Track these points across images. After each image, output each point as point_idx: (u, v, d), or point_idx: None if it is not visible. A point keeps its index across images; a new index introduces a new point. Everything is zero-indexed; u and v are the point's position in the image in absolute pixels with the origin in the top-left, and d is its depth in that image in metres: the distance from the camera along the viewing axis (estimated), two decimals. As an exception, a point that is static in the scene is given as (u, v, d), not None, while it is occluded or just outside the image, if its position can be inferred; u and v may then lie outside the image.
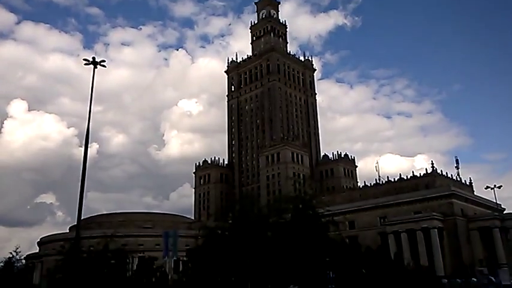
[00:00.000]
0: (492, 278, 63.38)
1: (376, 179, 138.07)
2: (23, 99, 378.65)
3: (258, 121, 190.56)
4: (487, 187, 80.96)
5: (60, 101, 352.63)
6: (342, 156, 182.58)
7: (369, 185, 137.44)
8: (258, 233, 42.01)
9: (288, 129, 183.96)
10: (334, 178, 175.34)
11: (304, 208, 41.41)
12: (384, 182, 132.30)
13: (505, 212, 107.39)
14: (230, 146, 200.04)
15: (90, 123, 29.71)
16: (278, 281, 39.00)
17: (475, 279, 65.16)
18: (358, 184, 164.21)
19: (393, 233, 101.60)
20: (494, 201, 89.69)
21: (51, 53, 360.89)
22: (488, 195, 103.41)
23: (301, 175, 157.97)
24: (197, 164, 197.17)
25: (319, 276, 37.58)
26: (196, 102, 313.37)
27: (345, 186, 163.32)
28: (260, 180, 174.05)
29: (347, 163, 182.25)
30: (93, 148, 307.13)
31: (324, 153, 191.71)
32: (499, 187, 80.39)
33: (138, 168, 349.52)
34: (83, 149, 29.97)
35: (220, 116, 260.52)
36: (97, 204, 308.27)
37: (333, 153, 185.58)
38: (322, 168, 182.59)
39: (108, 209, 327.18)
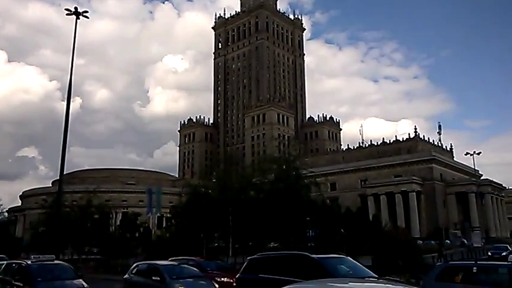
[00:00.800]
0: (465, 240, 66.13)
1: (359, 143, 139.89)
2: (2, 50, 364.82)
3: (244, 80, 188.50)
4: (467, 153, 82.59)
5: (41, 53, 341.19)
6: (327, 119, 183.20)
7: (352, 148, 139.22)
8: (241, 192, 42.45)
9: (275, 90, 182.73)
10: (318, 140, 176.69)
11: (287, 169, 41.74)
12: (367, 145, 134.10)
13: (482, 178, 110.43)
14: (216, 105, 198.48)
15: (73, 77, 28.83)
16: (259, 239, 39.83)
17: (448, 241, 67.86)
18: (342, 147, 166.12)
19: (373, 195, 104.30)
20: (473, 167, 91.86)
21: (31, 1, 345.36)
22: (468, 162, 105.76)
23: (286, 136, 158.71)
24: (182, 122, 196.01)
25: (300, 235, 38.47)
26: (182, 59, 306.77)
27: (328, 149, 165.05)
28: (245, 140, 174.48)
29: (332, 126, 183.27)
30: (76, 102, 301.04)
31: (309, 115, 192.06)
32: (479, 153, 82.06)
33: (122, 124, 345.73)
34: (65, 103, 29.22)
35: (206, 74, 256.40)
36: (80, 159, 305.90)
37: (318, 115, 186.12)
38: (307, 130, 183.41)
39: (91, 164, 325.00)
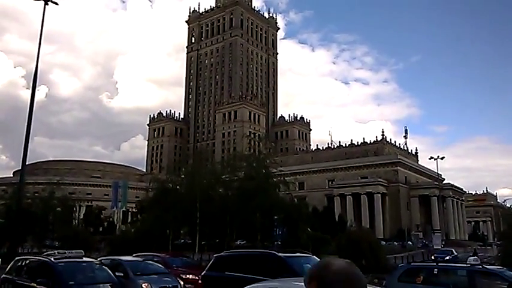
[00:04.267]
0: (426, 241, 68.22)
1: (328, 143, 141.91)
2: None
3: (217, 77, 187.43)
4: (431, 157, 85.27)
5: (6, 38, 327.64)
6: (298, 118, 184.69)
7: (321, 148, 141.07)
8: (210, 188, 42.23)
9: (247, 88, 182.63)
10: (288, 140, 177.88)
11: (257, 167, 41.84)
12: (335, 146, 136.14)
13: (444, 182, 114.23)
14: (187, 100, 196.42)
15: (39, 64, 27.76)
16: (226, 236, 39.76)
17: (410, 243, 69.83)
18: (311, 147, 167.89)
19: (339, 196, 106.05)
20: (436, 171, 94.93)
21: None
22: (432, 166, 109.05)
23: (257, 134, 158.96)
24: (151, 116, 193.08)
25: (267, 233, 38.66)
26: (153, 51, 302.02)
27: (298, 148, 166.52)
28: (215, 136, 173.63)
29: (302, 126, 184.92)
30: (41, 91, 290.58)
31: (280, 115, 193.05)
32: (442, 158, 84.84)
33: (89, 115, 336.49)
34: (30, 91, 28.11)
35: (178, 68, 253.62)
36: (44, 150, 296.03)
37: (289, 115, 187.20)
38: (277, 129, 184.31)
39: (55, 155, 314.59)
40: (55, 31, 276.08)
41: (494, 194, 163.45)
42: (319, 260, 11.78)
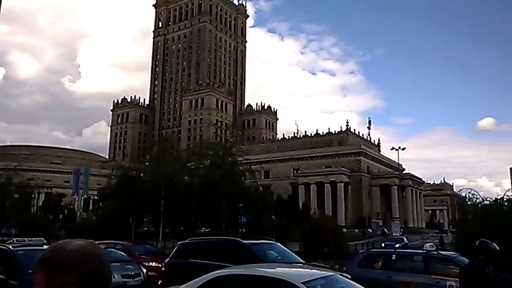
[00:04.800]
0: (385, 229, 70.56)
1: (294, 133, 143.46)
2: None
3: (184, 63, 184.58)
4: (393, 148, 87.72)
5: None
6: (265, 108, 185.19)
7: (288, 137, 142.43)
8: (175, 176, 41.86)
9: (215, 75, 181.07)
10: (255, 128, 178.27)
11: (223, 155, 41.78)
12: (301, 136, 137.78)
13: (404, 172, 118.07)
14: (152, 86, 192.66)
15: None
16: (191, 224, 39.63)
17: (370, 230, 72.04)
18: (278, 136, 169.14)
19: (304, 184, 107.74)
20: (397, 161, 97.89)
21: None
22: (393, 156, 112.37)
23: (224, 123, 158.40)
24: (115, 101, 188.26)
25: (232, 221, 38.83)
26: (118, 35, 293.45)
27: (265, 137, 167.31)
28: (181, 124, 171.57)
29: (269, 115, 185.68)
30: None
31: (248, 103, 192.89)
32: (403, 149, 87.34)
33: (50, 99, 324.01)
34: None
35: (144, 52, 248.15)
36: (1, 134, 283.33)
37: (257, 103, 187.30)
38: (245, 118, 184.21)
39: (13, 140, 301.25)
40: (14, 9, 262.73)
41: (451, 184, 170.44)
42: (282, 247, 11.96)
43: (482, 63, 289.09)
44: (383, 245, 32.48)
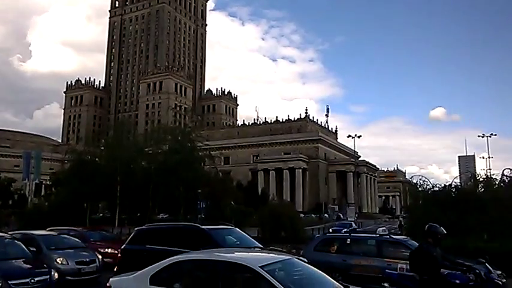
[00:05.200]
0: (340, 214, 72.72)
1: (254, 119, 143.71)
2: None
3: (142, 45, 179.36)
4: (349, 136, 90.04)
5: None
6: (225, 93, 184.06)
7: (248, 124, 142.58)
8: (132, 161, 40.97)
9: (174, 58, 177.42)
10: (215, 114, 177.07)
11: (182, 140, 41.24)
12: (261, 122, 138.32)
13: (360, 159, 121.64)
14: (108, 68, 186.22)
15: None
16: (148, 210, 39.08)
17: (327, 215, 73.97)
18: (238, 122, 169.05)
19: (263, 170, 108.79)
20: (353, 149, 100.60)
21: None
22: (350, 144, 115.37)
23: (183, 107, 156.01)
24: (69, 82, 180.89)
25: (190, 206, 38.63)
26: (72, 13, 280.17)
27: (225, 123, 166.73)
28: (139, 108, 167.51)
29: (229, 101, 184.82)
30: None
31: (208, 88, 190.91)
32: (359, 137, 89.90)
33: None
34: None
35: (99, 33, 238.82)
36: None
37: (217, 89, 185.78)
38: (204, 103, 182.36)
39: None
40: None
41: (404, 171, 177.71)
42: (241, 232, 12.04)
43: (436, 55, 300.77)
44: (330, 230, 33.03)
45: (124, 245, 12.01)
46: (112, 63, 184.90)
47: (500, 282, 7.84)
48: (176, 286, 6.01)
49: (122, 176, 38.26)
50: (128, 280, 6.52)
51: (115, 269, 10.27)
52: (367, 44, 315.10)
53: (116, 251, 13.77)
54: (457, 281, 7.34)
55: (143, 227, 12.77)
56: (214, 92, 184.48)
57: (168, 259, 6.35)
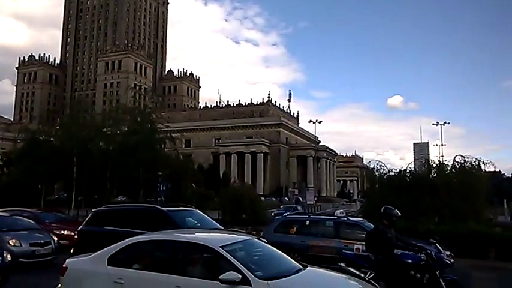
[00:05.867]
0: (300, 197, 74.03)
1: (217, 102, 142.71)
2: None
3: (100, 21, 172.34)
4: (310, 121, 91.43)
5: None
6: (187, 74, 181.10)
7: (210, 106, 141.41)
8: (89, 141, 39.77)
9: (134, 37, 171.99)
10: (176, 96, 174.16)
11: (142, 121, 40.37)
12: (223, 105, 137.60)
13: (320, 144, 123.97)
14: (64, 44, 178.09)
15: None
16: (106, 192, 38.20)
17: (287, 199, 75.24)
18: (200, 104, 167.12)
19: (225, 154, 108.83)
20: (314, 134, 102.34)
21: None
22: (311, 129, 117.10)
23: (143, 87, 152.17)
24: (21, 58, 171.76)
25: (150, 189, 38.12)
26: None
27: (186, 105, 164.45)
28: (96, 87, 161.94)
29: (191, 82, 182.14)
30: None
31: (169, 69, 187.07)
32: (320, 122, 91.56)
33: None
34: None
35: (54, 6, 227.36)
36: None
37: (178, 70, 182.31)
38: (165, 83, 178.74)
39: None
40: None
41: (361, 157, 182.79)
42: (202, 214, 12.02)
43: (397, 43, 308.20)
44: (273, 214, 33.17)
45: (81, 227, 11.71)
46: (68, 40, 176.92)
47: (449, 262, 8.28)
48: (135, 267, 5.93)
49: (79, 157, 37.08)
50: (85, 261, 6.38)
51: (71, 251, 10.02)
52: (330, 30, 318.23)
53: (73, 233, 13.41)
54: (410, 261, 7.69)
55: (101, 208, 12.49)
56: (175, 72, 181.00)
57: (126, 240, 6.25)
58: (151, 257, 6.20)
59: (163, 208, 11.32)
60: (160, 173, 37.10)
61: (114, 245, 6.21)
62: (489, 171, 21.27)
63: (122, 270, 5.85)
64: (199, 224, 11.01)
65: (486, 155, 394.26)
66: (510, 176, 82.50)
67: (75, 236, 11.57)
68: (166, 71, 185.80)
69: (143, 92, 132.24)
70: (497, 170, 25.44)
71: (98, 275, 5.97)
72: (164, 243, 6.16)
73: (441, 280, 7.69)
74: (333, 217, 13.31)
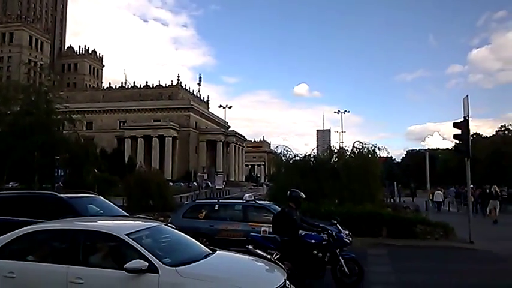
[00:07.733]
0: (209, 182, 74.23)
1: (122, 83, 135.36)
2: None
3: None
4: (220, 106, 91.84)
5: None
6: (89, 52, 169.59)
7: (114, 87, 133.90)
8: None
9: (28, 8, 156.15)
10: (77, 74, 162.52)
11: (37, 100, 36.94)
12: (129, 86, 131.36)
13: (229, 129, 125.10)
14: None
15: None
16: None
17: (196, 183, 74.91)
18: (103, 85, 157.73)
19: (131, 138, 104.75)
20: (224, 119, 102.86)
21: None
22: (220, 114, 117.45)
23: (39, 64, 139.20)
24: None
25: (46, 174, 35.29)
26: None
27: (88, 85, 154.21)
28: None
29: (94, 60, 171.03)
30: None
31: (69, 45, 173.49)
32: (230, 107, 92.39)
33: None
34: None
35: None
36: None
37: (79, 46, 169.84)
38: (65, 60, 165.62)
39: None
40: None
41: (269, 142, 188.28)
42: (105, 200, 11.42)
43: (305, 32, 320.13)
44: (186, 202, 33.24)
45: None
46: None
47: (348, 241, 8.92)
48: (29, 258, 5.44)
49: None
50: (-31, 255, 5.68)
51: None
52: (241, 16, 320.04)
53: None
54: (313, 241, 8.11)
55: (-13, 196, 11.25)
56: (76, 49, 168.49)
57: (19, 230, 5.70)
58: (48, 248, 5.76)
59: (62, 195, 10.56)
60: (58, 157, 34.47)
61: (5, 235, 5.66)
62: (383, 157, 23.18)
63: (13, 263, 5.36)
64: (102, 212, 10.48)
65: (380, 142, 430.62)
66: (400, 161, 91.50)
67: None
68: (65, 47, 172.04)
69: (39, 69, 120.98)
70: (389, 155, 27.86)
71: (-17, 270, 5.36)
72: (62, 233, 5.72)
73: (340, 258, 8.26)
74: (241, 201, 13.52)
